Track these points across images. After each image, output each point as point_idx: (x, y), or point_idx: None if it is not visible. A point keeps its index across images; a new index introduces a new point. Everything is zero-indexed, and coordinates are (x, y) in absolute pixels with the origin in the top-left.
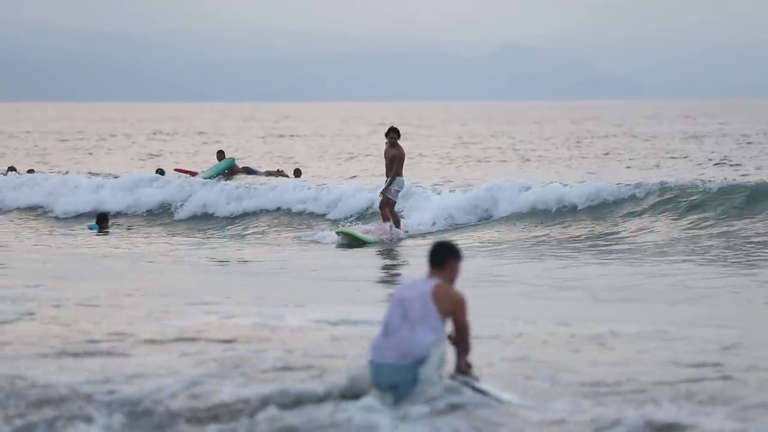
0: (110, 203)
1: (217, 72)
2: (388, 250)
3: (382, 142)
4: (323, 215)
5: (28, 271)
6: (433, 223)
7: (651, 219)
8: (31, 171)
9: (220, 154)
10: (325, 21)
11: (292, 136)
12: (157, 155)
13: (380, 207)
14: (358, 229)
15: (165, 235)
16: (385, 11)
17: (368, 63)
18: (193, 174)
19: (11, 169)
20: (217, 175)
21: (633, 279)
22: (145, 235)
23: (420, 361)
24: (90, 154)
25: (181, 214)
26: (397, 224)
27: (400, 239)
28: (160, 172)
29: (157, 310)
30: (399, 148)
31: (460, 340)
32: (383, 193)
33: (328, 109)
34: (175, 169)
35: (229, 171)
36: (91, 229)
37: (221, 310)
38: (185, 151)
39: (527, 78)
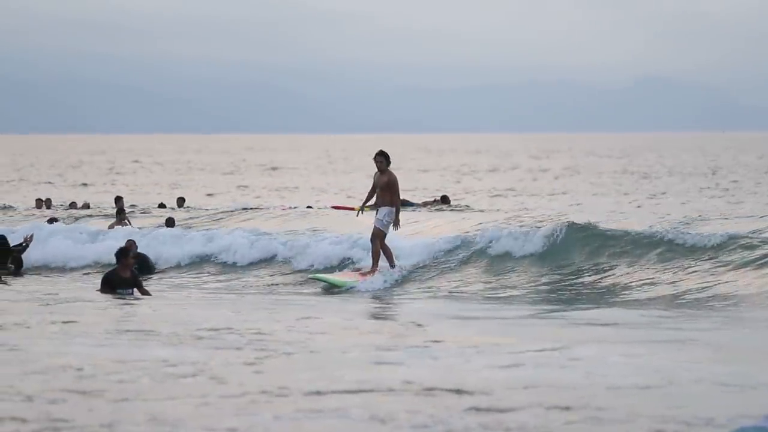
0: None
1: (400, 101)
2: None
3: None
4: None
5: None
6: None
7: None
8: (73, 204)
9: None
10: (459, 53)
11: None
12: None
13: (371, 240)
14: (332, 274)
15: None
16: (522, 42)
17: (506, 93)
18: (351, 209)
19: (161, 206)
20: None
21: None
22: None
23: None
24: None
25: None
26: (391, 259)
27: (394, 279)
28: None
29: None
30: (391, 174)
31: None
32: (395, 224)
33: (472, 141)
34: (333, 206)
35: None
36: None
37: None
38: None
39: (666, 110)
